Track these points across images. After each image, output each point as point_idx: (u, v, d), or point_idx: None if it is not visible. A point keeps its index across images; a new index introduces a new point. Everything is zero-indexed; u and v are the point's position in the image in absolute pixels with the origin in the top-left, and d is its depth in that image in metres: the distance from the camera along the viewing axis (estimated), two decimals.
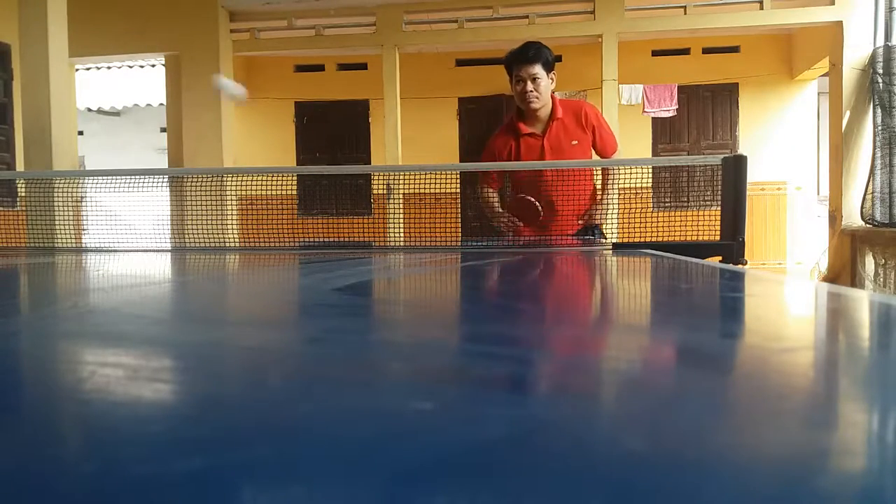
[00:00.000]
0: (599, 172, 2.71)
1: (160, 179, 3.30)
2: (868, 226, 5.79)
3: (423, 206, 2.65)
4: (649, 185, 6.80)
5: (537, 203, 2.50)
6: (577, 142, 2.62)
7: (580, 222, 2.63)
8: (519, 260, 1.80)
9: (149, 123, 10.69)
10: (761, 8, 6.38)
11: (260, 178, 2.97)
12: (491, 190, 2.72)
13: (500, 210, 2.69)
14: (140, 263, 1.80)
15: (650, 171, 6.02)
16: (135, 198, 2.62)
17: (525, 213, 2.54)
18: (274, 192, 2.66)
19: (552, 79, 2.60)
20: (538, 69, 2.54)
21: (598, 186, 2.71)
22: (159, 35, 6.79)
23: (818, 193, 7.90)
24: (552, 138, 2.62)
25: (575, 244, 2.50)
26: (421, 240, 2.50)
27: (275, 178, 2.81)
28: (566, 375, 0.44)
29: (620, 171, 2.60)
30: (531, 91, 2.55)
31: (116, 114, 10.79)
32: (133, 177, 2.70)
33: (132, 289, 1.13)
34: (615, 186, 2.65)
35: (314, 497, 0.23)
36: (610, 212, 2.65)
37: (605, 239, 2.68)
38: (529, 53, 2.55)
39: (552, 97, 2.63)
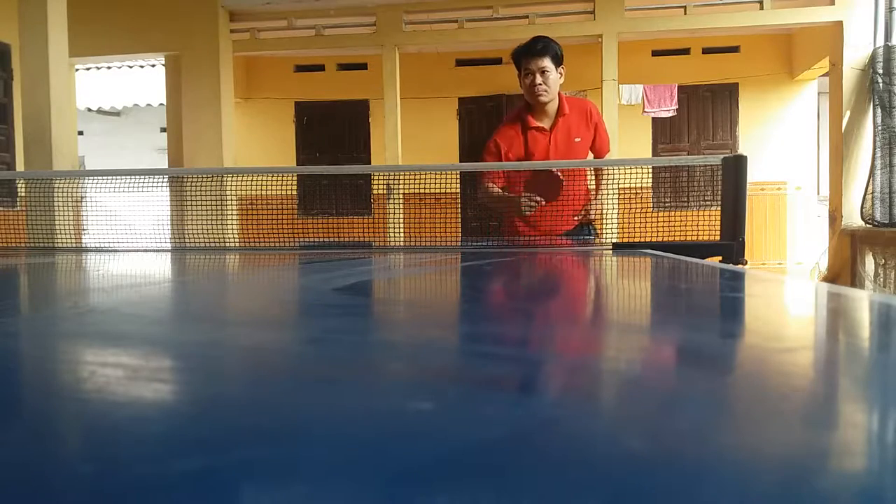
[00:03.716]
0: (592, 171, 2.73)
1: (160, 179, 3.30)
2: (868, 226, 5.79)
3: (423, 206, 2.64)
4: (649, 185, 6.80)
5: (558, 172, 2.48)
6: (580, 139, 2.64)
7: (576, 219, 2.65)
8: (518, 260, 1.80)
9: (149, 123, 10.69)
10: (761, 8, 6.38)
11: (260, 178, 2.97)
12: (495, 186, 2.70)
13: (512, 194, 2.66)
14: (140, 263, 1.80)
15: (650, 171, 6.02)
16: (135, 198, 2.62)
17: (546, 186, 2.51)
18: (274, 192, 2.66)
19: (561, 73, 2.60)
20: (547, 62, 2.54)
21: (591, 185, 2.74)
22: (159, 35, 6.79)
23: (818, 193, 7.90)
24: (558, 134, 2.62)
25: (573, 244, 2.51)
26: (421, 240, 2.50)
27: (275, 178, 2.81)
28: (566, 376, 0.44)
29: (620, 172, 2.61)
30: (540, 84, 2.54)
31: (116, 114, 10.79)
32: (133, 177, 2.70)
33: (132, 289, 1.13)
34: (609, 185, 2.68)
35: (314, 497, 0.23)
36: (609, 211, 2.66)
37: (599, 236, 2.71)
38: (538, 46, 2.54)
39: (559, 94, 2.63)
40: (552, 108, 2.63)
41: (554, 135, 2.62)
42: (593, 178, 2.75)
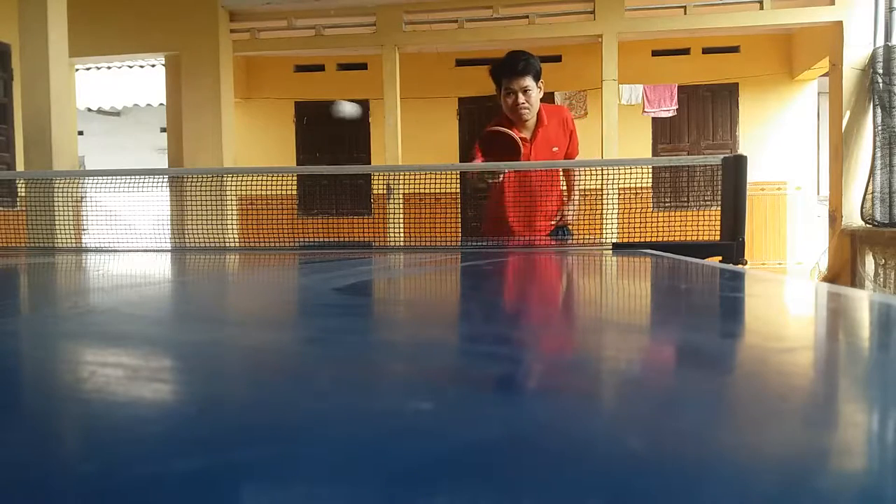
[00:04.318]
0: (563, 176, 2.76)
1: (160, 179, 3.30)
2: (868, 226, 5.79)
3: (423, 206, 2.64)
4: (649, 185, 6.81)
5: (512, 134, 2.41)
6: (557, 148, 2.66)
7: (552, 223, 2.67)
8: (518, 260, 1.80)
9: (149, 123, 10.69)
10: (761, 8, 6.38)
11: (260, 178, 2.97)
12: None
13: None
14: (140, 263, 1.80)
15: (650, 171, 6.03)
16: (135, 198, 2.62)
17: (503, 148, 2.43)
18: (274, 192, 2.66)
19: (540, 87, 2.60)
20: (529, 81, 2.53)
21: (564, 188, 2.78)
22: (159, 35, 6.79)
23: (818, 193, 7.90)
24: (538, 145, 2.65)
25: (556, 243, 2.54)
26: (421, 240, 2.50)
27: (275, 178, 2.81)
28: (566, 376, 0.44)
29: (620, 172, 2.61)
30: (522, 103, 2.54)
31: (116, 114, 10.79)
32: (133, 177, 2.70)
33: (132, 289, 1.13)
34: (609, 185, 2.70)
35: (314, 497, 0.23)
36: (609, 211, 2.67)
37: (573, 236, 2.77)
38: (519, 66, 2.51)
39: None
40: (532, 121, 2.65)
41: (534, 145, 2.64)
42: (565, 181, 2.77)
